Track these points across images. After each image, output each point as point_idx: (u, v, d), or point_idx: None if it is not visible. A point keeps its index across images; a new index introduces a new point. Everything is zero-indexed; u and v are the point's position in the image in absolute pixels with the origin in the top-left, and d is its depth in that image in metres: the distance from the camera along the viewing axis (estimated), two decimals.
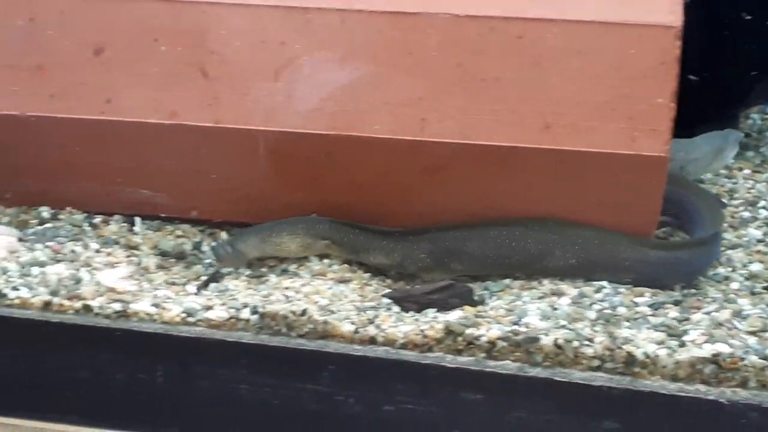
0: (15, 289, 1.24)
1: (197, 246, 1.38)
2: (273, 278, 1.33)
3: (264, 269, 1.36)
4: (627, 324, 1.23)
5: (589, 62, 1.26)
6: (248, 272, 1.36)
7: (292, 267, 1.36)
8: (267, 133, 1.32)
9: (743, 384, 1.15)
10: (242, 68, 1.32)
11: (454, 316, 1.23)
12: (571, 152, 1.28)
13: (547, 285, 1.33)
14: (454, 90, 1.29)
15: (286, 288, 1.29)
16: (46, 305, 1.23)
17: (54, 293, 1.24)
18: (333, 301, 1.26)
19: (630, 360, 1.16)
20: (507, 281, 1.34)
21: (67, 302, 1.23)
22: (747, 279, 1.34)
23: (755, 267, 1.36)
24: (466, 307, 1.25)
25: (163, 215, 1.42)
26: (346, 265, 1.38)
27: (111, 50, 1.33)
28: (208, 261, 1.36)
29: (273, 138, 1.33)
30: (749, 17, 1.58)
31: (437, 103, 1.29)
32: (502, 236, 1.34)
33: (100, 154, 1.36)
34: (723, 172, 1.67)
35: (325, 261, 1.38)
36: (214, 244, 1.35)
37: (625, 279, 1.32)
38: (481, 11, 1.27)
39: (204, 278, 1.31)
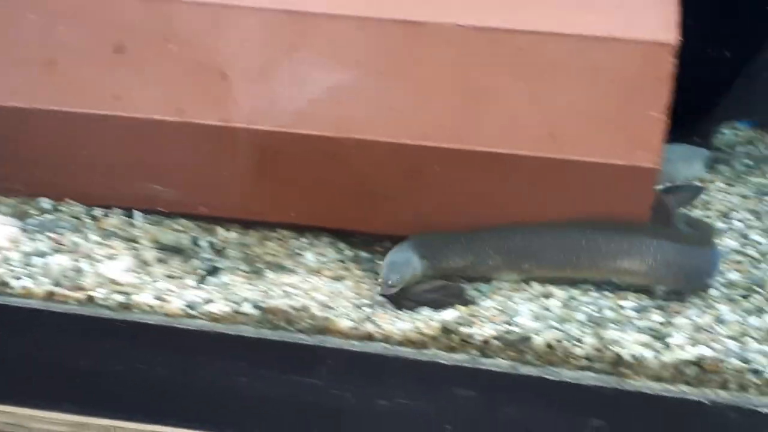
0: (18, 278, 1.24)
1: (195, 240, 1.38)
2: (270, 274, 1.33)
3: (260, 265, 1.36)
4: (614, 326, 1.24)
5: (588, 75, 1.27)
6: (245, 267, 1.35)
7: (289, 264, 1.36)
8: (273, 134, 1.33)
9: (724, 386, 1.17)
10: (250, 70, 1.32)
11: (448, 314, 1.24)
12: (569, 162, 1.29)
13: (536, 287, 1.34)
14: (461, 99, 1.30)
15: (284, 284, 1.29)
16: (49, 295, 1.22)
17: (56, 283, 1.23)
18: (331, 298, 1.26)
19: (617, 360, 1.18)
20: (496, 283, 1.35)
21: (69, 293, 1.22)
22: (725, 287, 1.36)
23: (732, 275, 1.39)
24: (459, 307, 1.26)
25: (163, 210, 1.42)
26: (340, 263, 1.38)
27: (126, 48, 1.33)
28: (206, 255, 1.36)
29: (279, 139, 1.33)
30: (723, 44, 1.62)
31: (443, 112, 1.30)
32: (575, 236, 1.35)
33: (106, 149, 1.36)
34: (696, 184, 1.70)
35: (321, 258, 1.39)
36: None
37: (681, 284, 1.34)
38: (486, 23, 1.28)
39: (202, 272, 1.31)
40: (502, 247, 1.36)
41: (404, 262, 1.31)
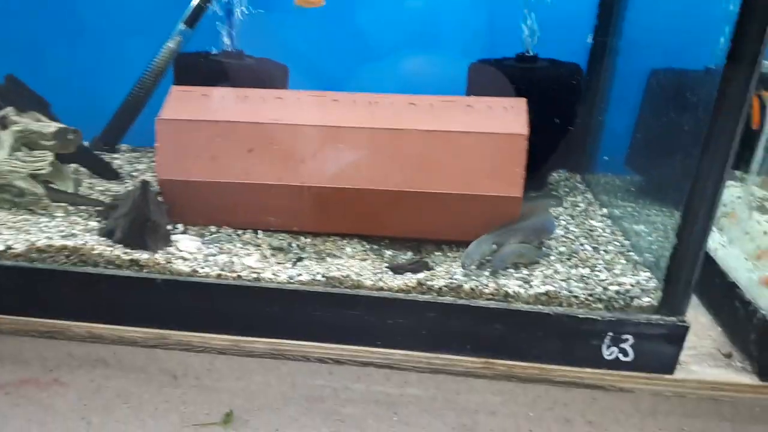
0: (202, 268, 1.31)
1: (289, 244, 1.43)
2: (328, 259, 1.40)
3: (324, 255, 1.41)
4: (503, 277, 1.31)
5: (484, 152, 1.31)
6: (315, 256, 1.40)
7: (338, 253, 1.41)
8: (326, 188, 1.37)
9: (544, 304, 1.26)
10: (308, 155, 1.38)
11: (420, 275, 1.31)
12: (476, 195, 1.35)
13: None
14: (421, 166, 1.35)
15: (337, 264, 1.37)
16: (218, 276, 1.30)
17: (222, 269, 1.31)
18: (360, 270, 1.33)
19: (506, 294, 1.27)
20: (443, 257, 1.39)
21: (229, 274, 1.30)
22: (558, 254, 1.41)
23: (562, 248, 1.43)
24: (426, 272, 1.33)
25: (272, 229, 1.47)
26: (364, 252, 1.42)
27: (254, 149, 1.39)
28: (295, 251, 1.42)
29: (329, 190, 1.38)
30: (555, 119, 1.65)
31: (412, 173, 1.36)
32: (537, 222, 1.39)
33: (242, 199, 1.41)
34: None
35: (354, 250, 1.42)
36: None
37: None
38: (433, 128, 1.35)
39: (293, 260, 1.39)
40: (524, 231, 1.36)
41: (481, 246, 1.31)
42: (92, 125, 1.92)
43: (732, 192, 1.60)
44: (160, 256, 1.34)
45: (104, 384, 1.37)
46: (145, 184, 1.36)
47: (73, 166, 1.75)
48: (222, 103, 1.42)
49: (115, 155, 1.92)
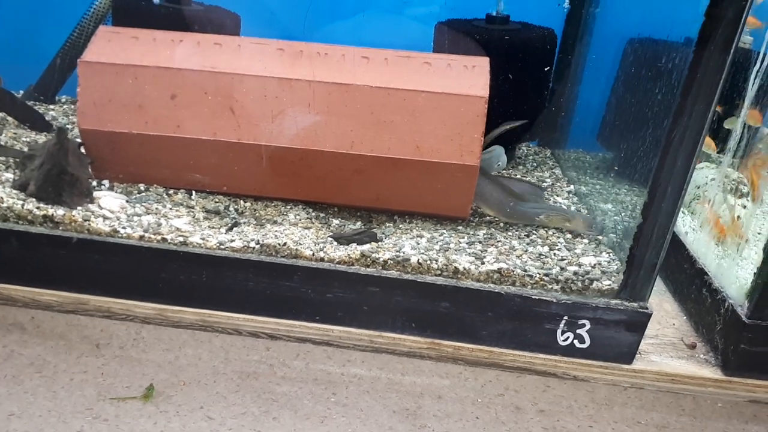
0: (124, 228, 1.23)
1: (226, 207, 1.36)
2: (268, 225, 1.31)
3: (263, 221, 1.33)
4: (455, 252, 1.26)
5: (440, 114, 1.25)
6: (254, 222, 1.32)
7: (279, 219, 1.34)
8: (267, 147, 1.29)
9: (495, 282, 1.19)
10: (253, 110, 1.28)
11: (365, 247, 1.25)
12: (429, 162, 1.27)
13: (414, 231, 1.33)
14: (369, 126, 1.27)
15: (275, 231, 1.29)
16: (141, 238, 1.22)
17: (145, 231, 1.23)
18: (300, 239, 1.27)
19: (456, 270, 1.20)
20: (393, 229, 1.34)
21: (153, 236, 1.22)
22: (515, 229, 1.37)
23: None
24: (373, 243, 1.27)
25: (207, 190, 1.38)
26: (308, 220, 1.35)
27: (180, 97, 1.27)
28: (232, 215, 1.33)
29: (270, 150, 1.29)
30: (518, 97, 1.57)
31: (360, 134, 1.27)
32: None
33: (172, 155, 1.31)
34: (506, 174, 1.65)
35: (297, 217, 1.35)
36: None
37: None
38: (384, 84, 1.25)
39: (229, 225, 1.30)
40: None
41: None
42: (31, 74, 1.77)
43: (706, 173, 1.51)
44: (77, 213, 1.24)
45: (18, 351, 1.28)
46: (61, 131, 1.26)
47: (0, 114, 1.61)
48: (154, 46, 1.29)
49: (51, 106, 1.78)
